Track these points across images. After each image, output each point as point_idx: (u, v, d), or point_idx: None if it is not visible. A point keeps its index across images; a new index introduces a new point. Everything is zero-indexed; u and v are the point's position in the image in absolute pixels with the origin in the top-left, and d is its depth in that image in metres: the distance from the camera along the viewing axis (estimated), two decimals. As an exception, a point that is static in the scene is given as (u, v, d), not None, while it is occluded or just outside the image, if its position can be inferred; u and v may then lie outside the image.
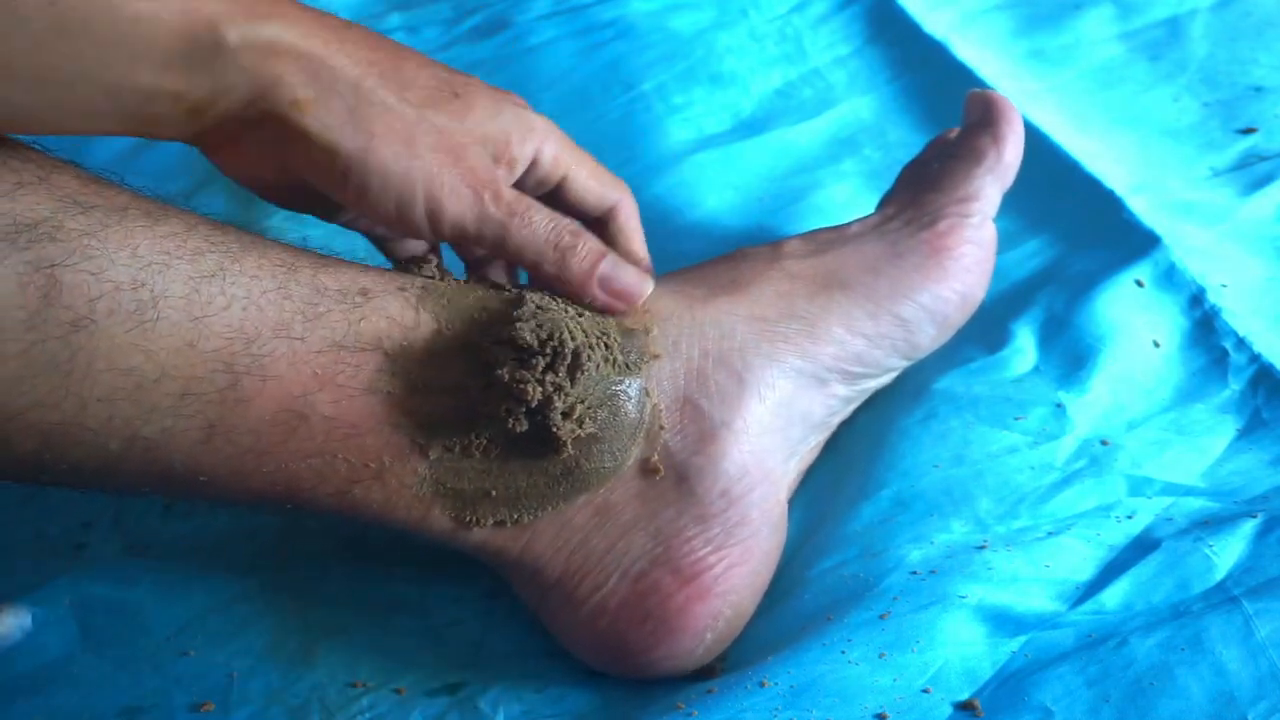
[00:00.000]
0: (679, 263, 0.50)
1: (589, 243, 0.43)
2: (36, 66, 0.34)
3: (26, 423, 0.36)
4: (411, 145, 0.40)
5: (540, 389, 0.41)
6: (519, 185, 0.44)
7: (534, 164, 0.44)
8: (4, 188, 0.36)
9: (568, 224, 0.43)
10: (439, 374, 0.42)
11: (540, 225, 0.42)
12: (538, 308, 0.42)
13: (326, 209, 0.46)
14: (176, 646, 0.46)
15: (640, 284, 0.44)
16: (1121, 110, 0.67)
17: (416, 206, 0.41)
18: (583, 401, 0.42)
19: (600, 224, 0.47)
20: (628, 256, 0.47)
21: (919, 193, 0.51)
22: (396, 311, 0.42)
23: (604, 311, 0.44)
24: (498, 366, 0.41)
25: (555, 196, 0.46)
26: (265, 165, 0.41)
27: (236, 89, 0.37)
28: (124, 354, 0.37)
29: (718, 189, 0.65)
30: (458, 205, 0.41)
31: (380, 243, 0.50)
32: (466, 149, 0.41)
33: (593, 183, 0.46)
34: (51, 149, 0.40)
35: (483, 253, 0.49)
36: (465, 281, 0.45)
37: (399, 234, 0.48)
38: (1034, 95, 0.68)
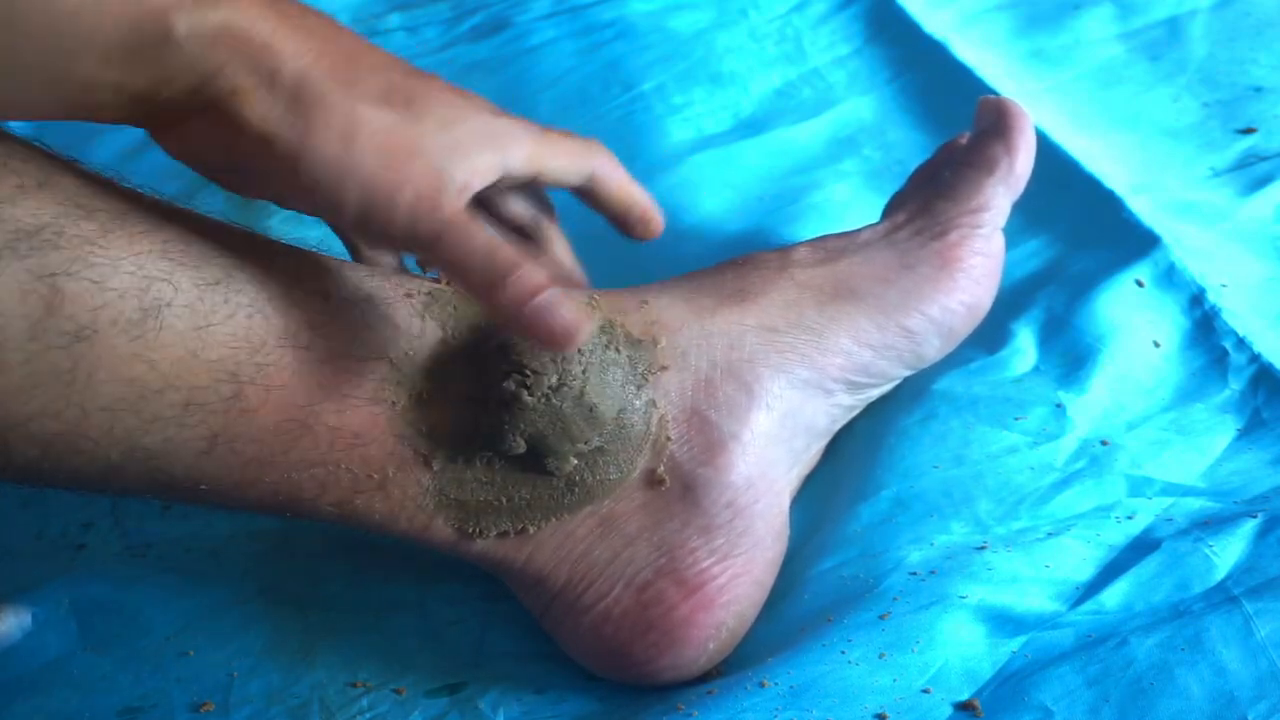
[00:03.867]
0: (679, 264, 0.50)
1: (525, 276, 0.38)
2: None
3: (27, 432, 0.36)
4: (350, 143, 0.37)
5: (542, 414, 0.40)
6: (489, 189, 0.41)
7: (505, 173, 0.41)
8: (4, 191, 0.35)
9: (506, 252, 0.38)
10: (444, 384, 0.41)
11: (477, 247, 0.38)
12: None
13: (278, 195, 0.42)
14: (176, 646, 0.46)
15: (576, 324, 0.38)
16: (1121, 110, 0.67)
17: (348, 207, 0.37)
18: None
19: (586, 192, 0.45)
20: (626, 207, 0.45)
21: (930, 200, 0.50)
22: (402, 319, 0.41)
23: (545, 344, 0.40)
24: (501, 381, 0.41)
25: (532, 186, 0.44)
26: (212, 150, 0.38)
27: (180, 78, 0.35)
28: (127, 364, 0.36)
29: (717, 189, 0.65)
30: (390, 212, 0.37)
31: (352, 251, 0.48)
32: (410, 155, 0.38)
33: (566, 163, 0.43)
34: (52, 147, 0.39)
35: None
36: None
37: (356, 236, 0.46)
38: (1034, 95, 0.68)
